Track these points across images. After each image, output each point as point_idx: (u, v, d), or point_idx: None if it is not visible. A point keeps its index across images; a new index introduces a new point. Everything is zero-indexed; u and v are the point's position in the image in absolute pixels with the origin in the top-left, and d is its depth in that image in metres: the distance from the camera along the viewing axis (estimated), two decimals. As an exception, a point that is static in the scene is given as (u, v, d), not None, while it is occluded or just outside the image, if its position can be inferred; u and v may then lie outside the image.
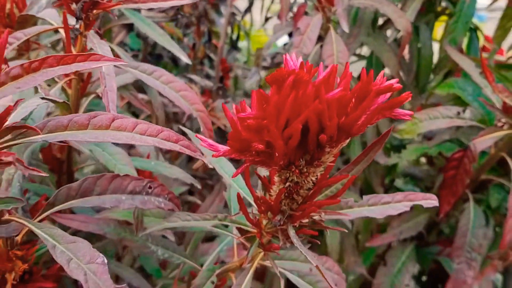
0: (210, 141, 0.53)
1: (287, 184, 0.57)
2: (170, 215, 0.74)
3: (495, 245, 1.21)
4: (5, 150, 0.50)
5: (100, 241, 0.86)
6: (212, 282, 0.70)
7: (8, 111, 0.49)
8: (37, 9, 0.89)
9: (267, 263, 0.70)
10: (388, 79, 0.52)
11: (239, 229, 0.71)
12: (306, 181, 0.56)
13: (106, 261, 0.48)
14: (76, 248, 0.48)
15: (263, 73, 1.30)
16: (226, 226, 0.74)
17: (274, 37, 1.26)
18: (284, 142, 0.49)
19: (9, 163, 0.48)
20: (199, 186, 0.90)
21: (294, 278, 0.69)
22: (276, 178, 0.59)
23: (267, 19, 1.80)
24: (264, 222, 0.65)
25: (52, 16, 0.77)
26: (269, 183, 0.60)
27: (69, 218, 0.73)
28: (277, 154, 0.51)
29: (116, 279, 0.88)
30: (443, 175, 1.04)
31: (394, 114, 0.54)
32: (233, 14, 1.68)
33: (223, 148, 0.52)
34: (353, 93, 0.51)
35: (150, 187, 0.68)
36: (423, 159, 1.51)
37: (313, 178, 0.57)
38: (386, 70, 1.27)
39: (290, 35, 1.48)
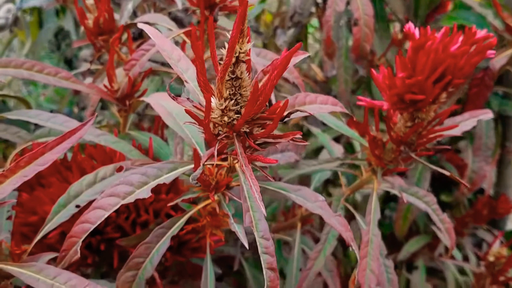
0: (368, 100, 0.71)
1: (416, 120, 0.76)
2: (296, 165, 0.93)
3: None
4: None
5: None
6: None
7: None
8: (127, 15, 1.01)
9: (386, 187, 0.91)
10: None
11: (353, 166, 0.91)
12: (429, 116, 0.76)
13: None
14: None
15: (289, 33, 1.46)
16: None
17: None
18: (433, 90, 0.68)
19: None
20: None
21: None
22: (401, 118, 0.78)
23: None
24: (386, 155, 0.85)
25: (164, 20, 0.90)
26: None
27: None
28: (424, 100, 0.70)
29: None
30: (467, 94, 1.27)
31: (486, 56, 0.74)
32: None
33: (382, 103, 0.71)
34: (465, 45, 0.70)
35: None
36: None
37: (432, 114, 0.76)
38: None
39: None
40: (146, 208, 0.79)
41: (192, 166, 0.63)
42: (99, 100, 0.96)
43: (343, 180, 0.98)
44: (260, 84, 0.51)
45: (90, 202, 0.73)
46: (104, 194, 0.62)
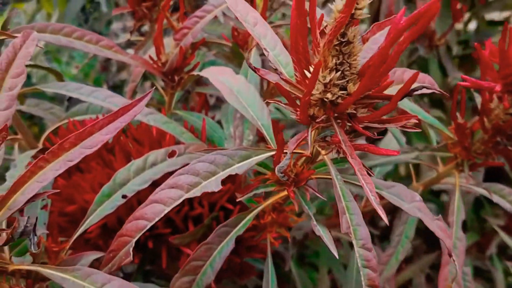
0: (474, 79, 0.59)
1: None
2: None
3: None
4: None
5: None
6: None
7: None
8: None
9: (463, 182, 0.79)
10: None
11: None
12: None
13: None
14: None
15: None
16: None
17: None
18: None
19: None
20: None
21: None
22: (498, 104, 0.66)
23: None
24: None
25: None
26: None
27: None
28: None
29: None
30: None
31: None
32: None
33: (491, 84, 0.59)
34: None
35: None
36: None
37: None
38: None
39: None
40: (200, 200, 0.69)
41: (269, 154, 0.52)
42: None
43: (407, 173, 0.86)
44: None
45: (138, 193, 0.63)
46: (165, 185, 0.51)
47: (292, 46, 0.42)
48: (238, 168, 0.51)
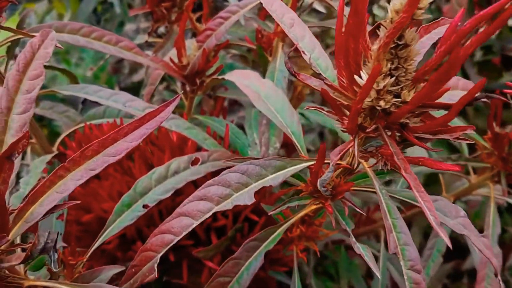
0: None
1: None
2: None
3: None
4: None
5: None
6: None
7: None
8: None
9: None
10: None
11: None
12: None
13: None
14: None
15: None
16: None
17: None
18: None
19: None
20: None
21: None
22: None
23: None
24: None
25: None
26: None
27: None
28: None
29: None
30: None
31: None
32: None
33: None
34: None
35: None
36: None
37: None
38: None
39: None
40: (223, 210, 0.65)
41: (305, 164, 0.48)
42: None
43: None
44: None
45: (159, 202, 0.59)
46: (193, 197, 0.47)
47: (341, 48, 0.38)
48: (272, 179, 0.47)
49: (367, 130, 0.39)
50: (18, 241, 0.47)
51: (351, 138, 0.42)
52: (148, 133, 0.47)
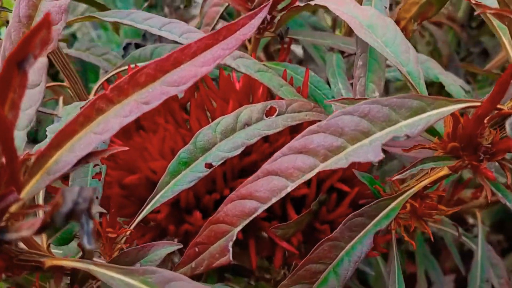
0: None
1: None
2: None
3: None
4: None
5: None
6: None
7: None
8: None
9: None
10: None
11: None
12: None
13: None
14: None
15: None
16: None
17: None
18: None
19: None
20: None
21: None
22: None
23: None
24: None
25: None
26: None
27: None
28: None
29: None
30: None
31: None
32: None
33: None
34: None
35: None
36: None
37: None
38: None
39: None
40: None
41: (455, 106, 0.32)
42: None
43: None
44: None
45: (224, 162, 0.45)
46: (288, 149, 0.33)
47: None
48: (407, 127, 0.32)
49: None
50: (40, 200, 0.33)
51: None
52: (226, 56, 0.33)
